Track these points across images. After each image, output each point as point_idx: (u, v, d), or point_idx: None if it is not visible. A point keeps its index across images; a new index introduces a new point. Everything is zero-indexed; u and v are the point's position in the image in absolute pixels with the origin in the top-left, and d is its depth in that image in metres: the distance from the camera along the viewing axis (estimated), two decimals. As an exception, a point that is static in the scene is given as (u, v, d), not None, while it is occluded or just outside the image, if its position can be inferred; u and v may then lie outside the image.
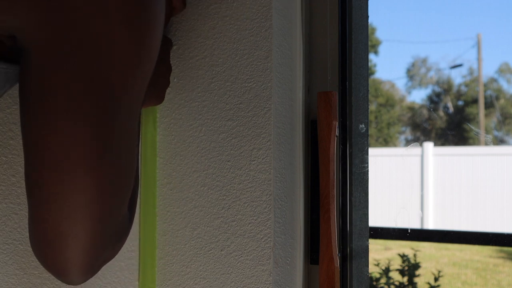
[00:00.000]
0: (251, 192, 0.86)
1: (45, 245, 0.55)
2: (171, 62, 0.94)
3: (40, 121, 0.52)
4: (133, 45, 0.53)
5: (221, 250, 0.88)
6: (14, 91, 0.90)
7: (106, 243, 0.56)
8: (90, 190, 0.53)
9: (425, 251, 5.56)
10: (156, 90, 0.86)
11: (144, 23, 0.54)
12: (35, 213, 0.54)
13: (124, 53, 0.53)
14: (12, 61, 0.57)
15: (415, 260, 3.89)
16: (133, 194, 0.68)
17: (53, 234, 0.53)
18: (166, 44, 0.90)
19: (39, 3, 0.51)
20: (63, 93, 0.51)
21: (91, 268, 0.56)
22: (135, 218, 0.93)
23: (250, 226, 0.86)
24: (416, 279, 3.83)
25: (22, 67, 0.53)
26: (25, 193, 0.58)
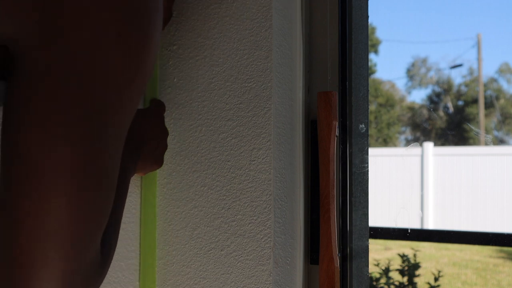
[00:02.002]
0: (251, 192, 0.86)
1: (11, 272, 0.49)
2: (171, 62, 0.94)
3: (19, 132, 0.48)
4: (127, 64, 0.51)
5: (221, 250, 0.88)
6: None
7: (75, 278, 0.51)
8: (64, 212, 0.48)
9: (425, 251, 5.56)
10: (156, 156, 0.87)
11: (140, 42, 0.51)
12: (1, 233, 0.49)
13: (117, 72, 0.50)
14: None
15: (415, 260, 3.88)
16: (108, 236, 0.62)
17: (19, 259, 0.48)
18: (159, 109, 0.90)
19: (37, 11, 0.48)
20: (48, 105, 0.48)
21: None
22: (135, 218, 0.94)
23: (250, 226, 0.86)
24: (416, 279, 3.83)
25: (12, 77, 0.50)
26: None
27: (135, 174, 0.90)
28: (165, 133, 0.89)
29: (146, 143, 0.84)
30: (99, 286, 0.57)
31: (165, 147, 0.89)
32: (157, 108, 0.91)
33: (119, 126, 0.53)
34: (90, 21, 0.48)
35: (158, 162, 0.88)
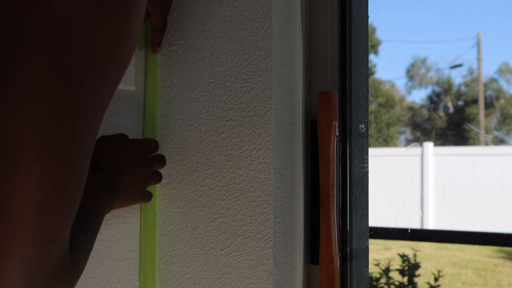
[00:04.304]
0: (251, 192, 0.86)
1: None
2: (171, 62, 0.94)
3: None
4: (110, 28, 0.45)
5: (221, 250, 0.88)
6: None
7: (39, 275, 0.46)
8: (29, 194, 0.43)
9: (425, 251, 5.57)
10: (138, 189, 0.84)
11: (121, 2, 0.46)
12: None
13: (99, 38, 0.45)
14: None
15: (415, 260, 3.89)
16: (80, 242, 0.57)
17: None
18: (142, 141, 0.87)
19: None
20: (24, 67, 0.42)
21: None
22: (135, 218, 0.93)
23: (250, 226, 0.86)
24: (416, 279, 3.84)
25: None
26: None
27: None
28: (147, 166, 0.86)
29: (123, 175, 0.80)
30: None
31: (149, 180, 0.86)
32: (138, 140, 0.87)
33: (100, 97, 0.47)
34: None
35: (142, 196, 0.86)
